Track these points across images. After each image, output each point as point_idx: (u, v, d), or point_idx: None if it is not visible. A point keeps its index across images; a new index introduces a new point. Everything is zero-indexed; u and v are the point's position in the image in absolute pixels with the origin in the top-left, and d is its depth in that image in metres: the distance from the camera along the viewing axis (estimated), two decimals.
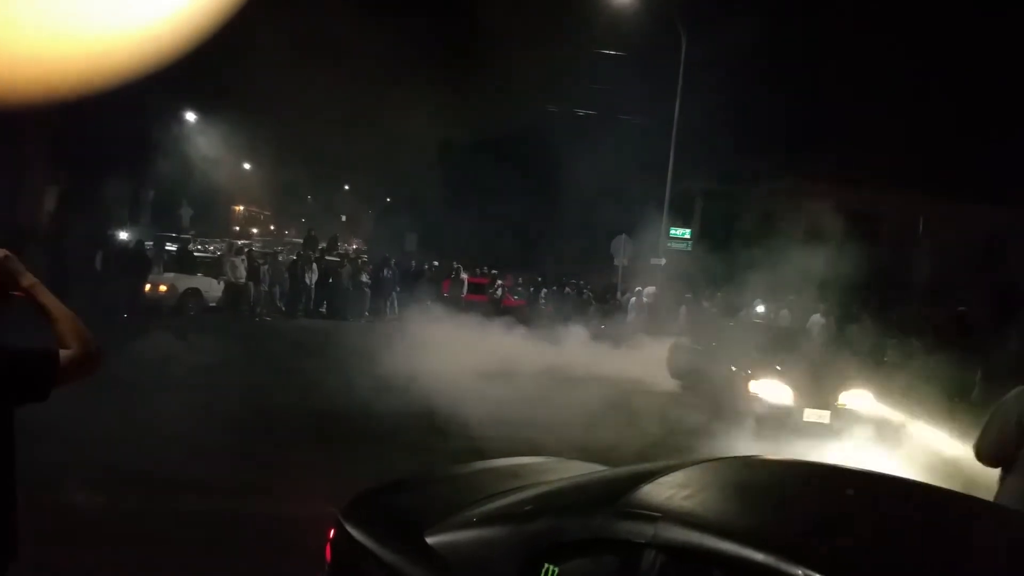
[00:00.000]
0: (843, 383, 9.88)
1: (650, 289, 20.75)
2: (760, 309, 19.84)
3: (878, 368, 10.94)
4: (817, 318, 18.18)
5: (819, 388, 9.71)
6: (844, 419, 9.46)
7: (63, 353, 2.33)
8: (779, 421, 9.46)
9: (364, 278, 21.61)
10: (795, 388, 9.73)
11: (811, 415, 9.49)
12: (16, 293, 2.35)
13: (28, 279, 2.36)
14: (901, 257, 26.77)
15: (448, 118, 25.42)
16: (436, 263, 24.80)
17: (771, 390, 9.81)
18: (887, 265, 26.28)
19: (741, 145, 23.42)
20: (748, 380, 10.05)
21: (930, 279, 23.37)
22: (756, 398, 9.80)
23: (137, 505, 5.68)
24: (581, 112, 26.41)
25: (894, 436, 9.40)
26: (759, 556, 2.26)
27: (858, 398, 9.71)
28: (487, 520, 3.04)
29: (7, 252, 2.35)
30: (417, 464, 6.75)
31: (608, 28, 22.82)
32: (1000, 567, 2.35)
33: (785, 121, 22.79)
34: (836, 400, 9.61)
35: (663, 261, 22.84)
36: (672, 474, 2.92)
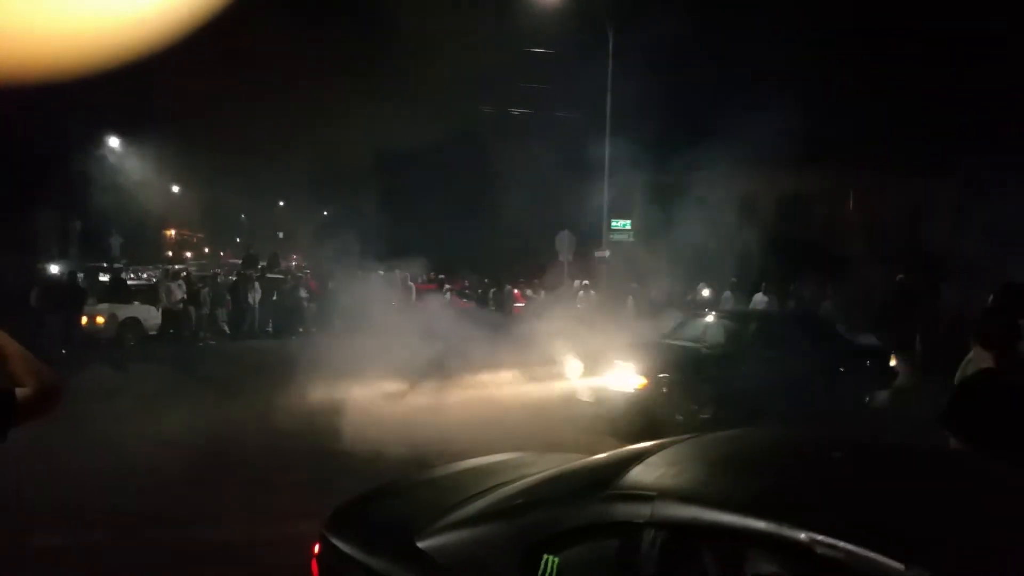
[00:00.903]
0: (616, 356, 9.96)
1: (584, 283, 21.02)
2: (705, 293, 20.17)
3: None
4: (759, 297, 18.60)
5: (598, 361, 10.07)
6: (599, 392, 9.87)
7: (19, 392, 2.22)
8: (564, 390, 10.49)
9: (303, 293, 21.34)
10: (583, 362, 10.42)
11: (583, 387, 10.16)
12: None
13: None
14: (834, 231, 27.61)
15: (380, 125, 25.19)
16: (382, 272, 24.56)
17: (570, 364, 10.74)
18: (821, 240, 27.07)
19: (674, 135, 23.76)
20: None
21: (864, 251, 24.10)
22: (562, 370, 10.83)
23: (105, 541, 5.47)
24: (516, 111, 26.46)
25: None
26: (761, 524, 2.27)
27: (620, 371, 9.70)
28: (478, 519, 2.99)
29: None
30: (380, 473, 6.63)
31: (537, 26, 22.93)
32: (1000, 516, 2.41)
33: (713, 108, 23.19)
34: (601, 373, 9.94)
35: (607, 253, 23.06)
36: (659, 453, 2.93)
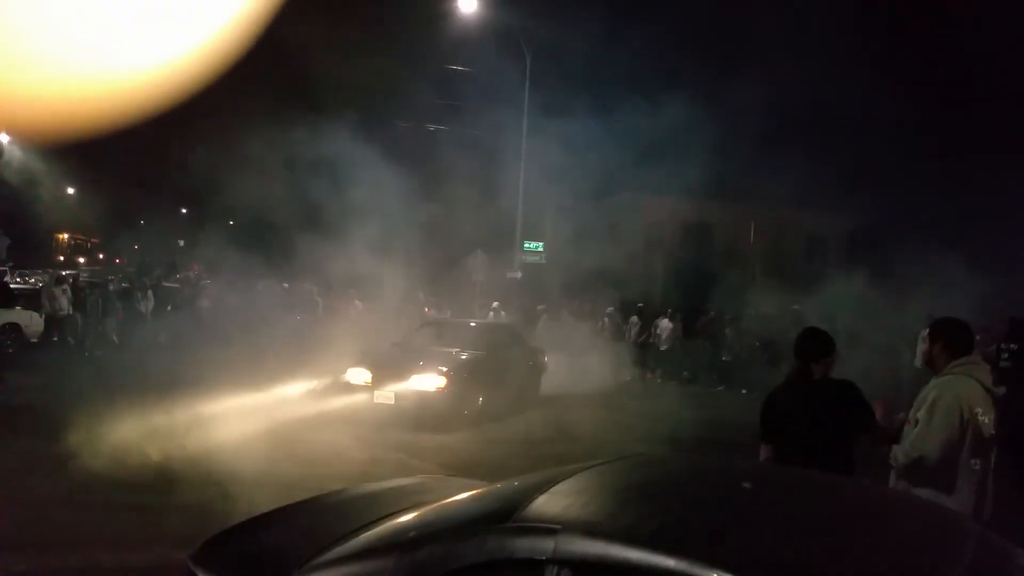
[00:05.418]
0: (418, 368, 11.32)
1: (496, 304, 20.90)
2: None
3: None
4: (665, 323, 18.86)
5: (394, 373, 11.25)
6: (406, 399, 11.03)
7: None
8: (356, 398, 11.31)
9: (204, 303, 20.46)
10: (374, 372, 11.38)
11: (380, 396, 11.14)
12: None
13: None
14: (736, 260, 28.43)
15: (289, 136, 24.45)
16: (286, 284, 23.80)
17: (356, 374, 11.54)
18: (723, 268, 27.82)
19: (588, 159, 23.99)
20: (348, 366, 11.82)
21: (762, 279, 24.82)
22: (346, 380, 11.65)
23: None
24: (432, 127, 26.20)
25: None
26: (671, 562, 2.10)
27: (425, 380, 11.14)
28: (367, 552, 2.73)
29: None
30: (272, 497, 6.23)
31: (453, 45, 22.84)
32: (913, 551, 2.32)
33: (629, 135, 23.51)
34: (404, 382, 11.13)
35: (519, 274, 23.00)
36: (565, 482, 2.74)
